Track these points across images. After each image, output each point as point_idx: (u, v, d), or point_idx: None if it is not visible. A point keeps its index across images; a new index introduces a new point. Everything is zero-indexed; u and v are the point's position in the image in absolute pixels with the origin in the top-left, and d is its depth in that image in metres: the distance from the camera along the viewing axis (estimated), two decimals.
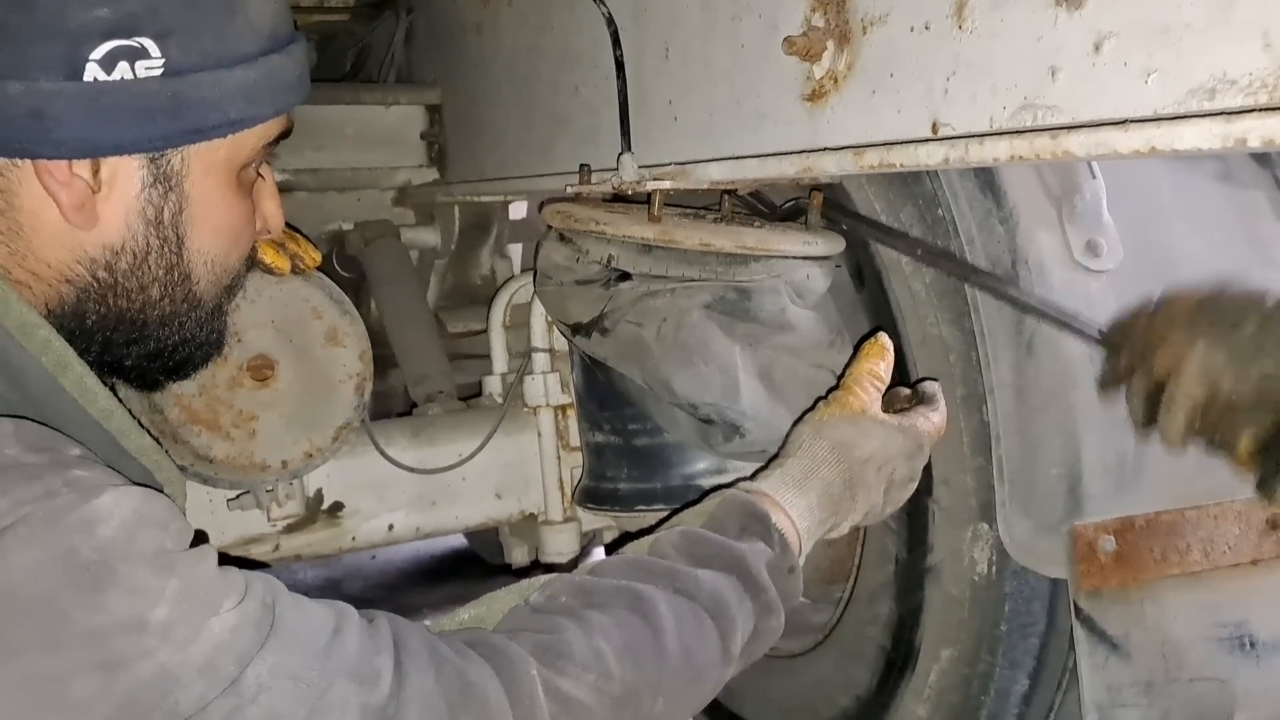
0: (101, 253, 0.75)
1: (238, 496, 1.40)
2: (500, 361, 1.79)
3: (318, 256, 1.25)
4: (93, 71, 0.68)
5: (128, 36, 0.68)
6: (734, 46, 1.18)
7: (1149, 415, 0.91)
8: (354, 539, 1.56)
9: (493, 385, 1.79)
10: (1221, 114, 0.66)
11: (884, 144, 0.93)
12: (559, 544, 1.65)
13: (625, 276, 1.22)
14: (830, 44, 1.03)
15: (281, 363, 1.31)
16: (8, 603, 0.54)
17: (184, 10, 0.71)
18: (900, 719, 1.46)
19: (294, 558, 1.53)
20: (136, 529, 0.59)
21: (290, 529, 1.51)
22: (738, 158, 1.15)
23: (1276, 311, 0.85)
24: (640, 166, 1.30)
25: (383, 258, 1.99)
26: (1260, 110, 0.64)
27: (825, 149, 1.01)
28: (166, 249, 0.77)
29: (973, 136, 0.83)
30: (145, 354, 0.82)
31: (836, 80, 1.03)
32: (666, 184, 1.21)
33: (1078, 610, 1.10)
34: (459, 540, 3.48)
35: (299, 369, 1.32)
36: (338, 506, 1.54)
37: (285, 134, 0.85)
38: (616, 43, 1.31)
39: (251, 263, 0.91)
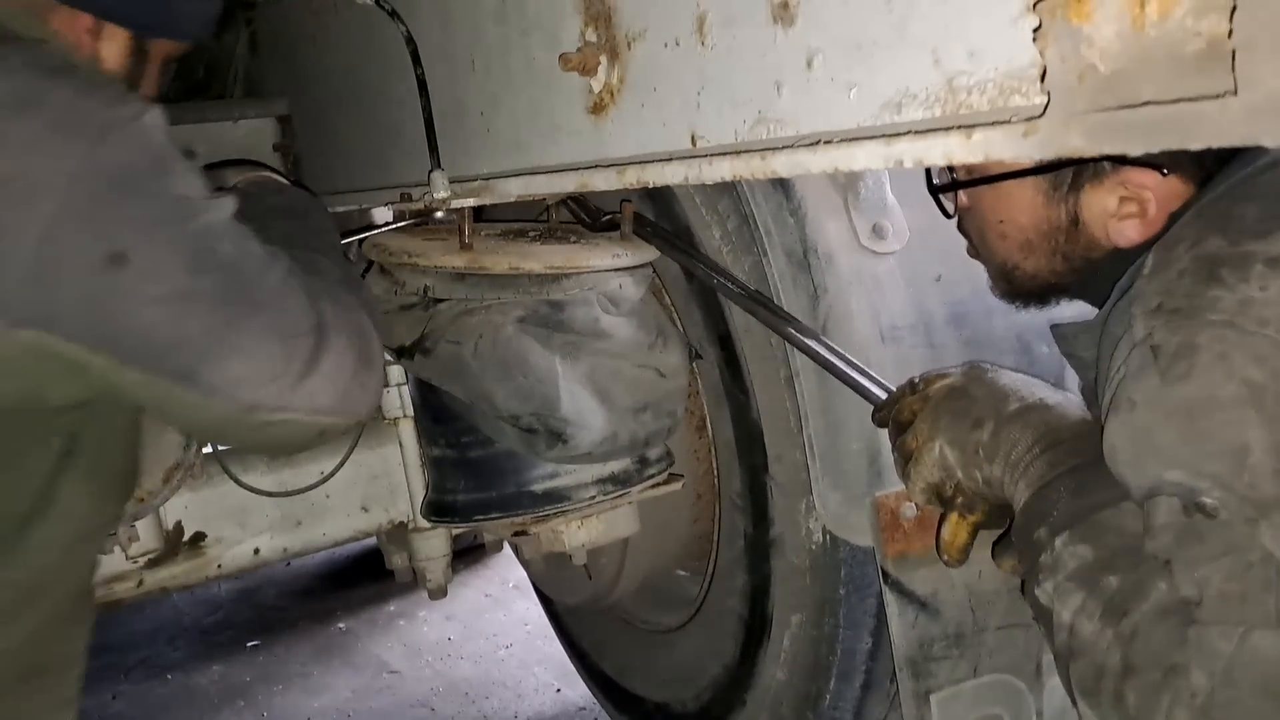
0: None
1: None
2: None
3: None
4: None
5: None
6: (528, 60, 1.20)
7: (903, 473, 1.03)
8: (220, 566, 1.57)
9: None
10: (890, 135, 0.71)
11: (639, 162, 0.96)
12: (430, 549, 1.68)
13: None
14: (604, 59, 1.06)
15: None
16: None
17: None
18: (762, 683, 1.53)
19: (160, 590, 1.54)
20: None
21: (152, 564, 1.51)
22: (532, 173, 1.18)
23: (1009, 421, 0.94)
24: (454, 180, 1.32)
25: None
26: (924, 132, 0.69)
27: (597, 166, 1.04)
28: None
29: (707, 155, 0.88)
30: None
31: (613, 94, 1.07)
32: (472, 201, 1.23)
33: (885, 575, 1.17)
34: (370, 542, 3.49)
35: None
36: (199, 537, 1.55)
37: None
38: (417, 61, 1.32)
39: None
